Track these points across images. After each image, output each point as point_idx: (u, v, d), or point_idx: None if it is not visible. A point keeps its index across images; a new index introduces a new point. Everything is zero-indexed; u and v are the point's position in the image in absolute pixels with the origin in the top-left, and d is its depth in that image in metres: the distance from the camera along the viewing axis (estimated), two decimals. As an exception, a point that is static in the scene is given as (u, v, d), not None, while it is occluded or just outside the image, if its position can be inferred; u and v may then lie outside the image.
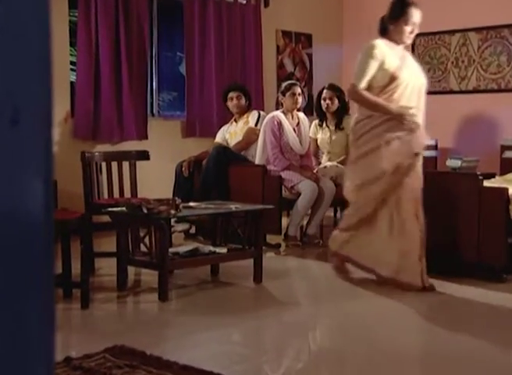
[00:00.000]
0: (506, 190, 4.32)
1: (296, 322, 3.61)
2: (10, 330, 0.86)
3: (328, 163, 5.88)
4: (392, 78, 4.09)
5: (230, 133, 6.13)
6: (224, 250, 4.28)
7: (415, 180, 4.13)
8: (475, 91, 7.31)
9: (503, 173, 5.66)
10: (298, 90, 5.71)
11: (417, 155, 4.15)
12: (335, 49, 8.24)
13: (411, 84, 4.15)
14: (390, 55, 4.13)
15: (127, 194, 4.89)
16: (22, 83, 0.85)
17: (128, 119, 6.32)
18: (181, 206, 4.06)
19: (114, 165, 4.89)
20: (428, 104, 4.32)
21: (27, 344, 0.87)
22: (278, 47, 7.71)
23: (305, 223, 5.70)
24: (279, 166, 5.59)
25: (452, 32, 7.41)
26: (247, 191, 5.50)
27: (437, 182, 4.50)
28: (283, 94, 5.72)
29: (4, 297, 0.85)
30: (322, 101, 5.99)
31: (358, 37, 7.94)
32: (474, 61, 7.35)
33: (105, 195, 4.84)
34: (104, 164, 4.87)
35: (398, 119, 4.07)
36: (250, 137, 5.95)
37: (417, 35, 4.51)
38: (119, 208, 4.13)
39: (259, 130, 5.84)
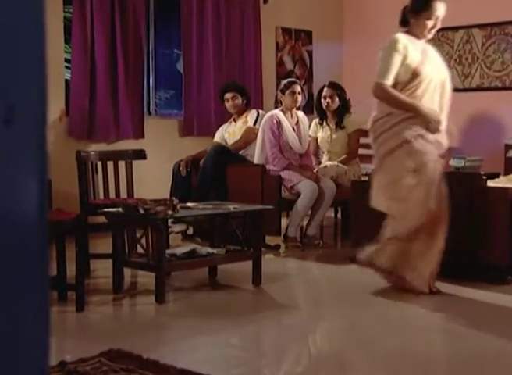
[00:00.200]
0: (510, 190, 4.27)
1: (296, 325, 3.60)
2: (3, 333, 0.86)
3: (329, 163, 5.86)
4: (415, 74, 3.95)
5: (229, 133, 6.12)
6: (222, 251, 4.27)
7: (441, 181, 3.99)
8: (479, 88, 7.30)
9: (507, 172, 5.64)
10: (298, 88, 5.67)
11: (440, 156, 4.03)
12: (335, 46, 8.22)
13: (434, 80, 4.02)
14: (412, 49, 3.98)
15: (123, 194, 4.88)
16: (15, 81, 0.85)
17: (124, 117, 6.30)
18: (178, 207, 4.05)
19: (110, 164, 4.89)
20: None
21: (21, 347, 0.87)
22: (277, 44, 7.69)
23: (305, 223, 5.67)
24: (278, 166, 5.56)
25: (455, 28, 7.38)
26: (245, 191, 5.48)
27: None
28: (283, 92, 5.69)
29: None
30: (323, 100, 5.96)
31: (359, 34, 7.93)
32: (477, 58, 7.32)
33: (101, 195, 4.82)
34: (99, 163, 4.86)
35: (424, 120, 3.93)
36: (249, 137, 5.94)
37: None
38: (115, 209, 4.11)
39: (258, 129, 5.83)
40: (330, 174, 5.67)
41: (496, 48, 7.19)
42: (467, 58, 7.39)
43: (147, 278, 4.17)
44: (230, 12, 7.04)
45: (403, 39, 3.99)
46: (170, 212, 3.92)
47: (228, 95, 6.03)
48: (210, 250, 4.26)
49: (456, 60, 7.43)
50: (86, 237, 4.43)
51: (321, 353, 3.23)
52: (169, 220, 4.83)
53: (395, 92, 3.95)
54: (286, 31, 7.73)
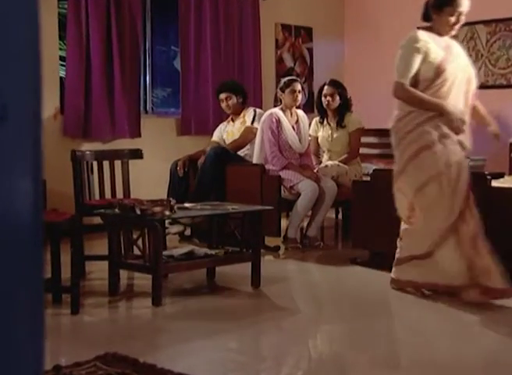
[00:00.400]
0: (515, 190, 4.24)
1: (296, 328, 3.59)
2: (-4, 337, 0.85)
3: (330, 162, 5.85)
4: (439, 71, 3.85)
5: (228, 133, 6.11)
6: (220, 253, 4.27)
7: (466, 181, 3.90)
8: (483, 86, 7.22)
9: (512, 172, 5.60)
10: (298, 86, 5.65)
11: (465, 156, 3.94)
12: (336, 43, 8.23)
13: (460, 77, 3.93)
14: (433, 45, 3.88)
15: (119, 194, 4.88)
16: (9, 79, 0.85)
17: (120, 116, 6.28)
18: (176, 207, 4.04)
19: (106, 164, 4.88)
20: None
21: (15, 351, 0.87)
22: (277, 41, 7.68)
23: (305, 224, 5.66)
24: (277, 165, 5.54)
25: (459, 25, 7.37)
26: (244, 191, 5.46)
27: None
28: (282, 90, 5.67)
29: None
30: (323, 98, 5.94)
31: (361, 31, 7.90)
32: (482, 55, 7.30)
33: (97, 196, 4.83)
34: (95, 163, 4.85)
35: (448, 118, 3.83)
36: (248, 136, 5.93)
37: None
38: (110, 210, 4.12)
39: (256, 128, 5.80)
40: (331, 174, 5.65)
41: (501, 44, 7.18)
42: (471, 55, 7.32)
43: (143, 280, 4.16)
44: (229, 9, 7.03)
45: (422, 36, 3.88)
46: (167, 212, 3.92)
47: (222, 96, 6.04)
48: (208, 251, 4.26)
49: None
50: (81, 239, 4.43)
51: (321, 357, 3.22)
52: (166, 221, 4.83)
53: (416, 91, 3.86)
54: (285, 28, 7.73)
